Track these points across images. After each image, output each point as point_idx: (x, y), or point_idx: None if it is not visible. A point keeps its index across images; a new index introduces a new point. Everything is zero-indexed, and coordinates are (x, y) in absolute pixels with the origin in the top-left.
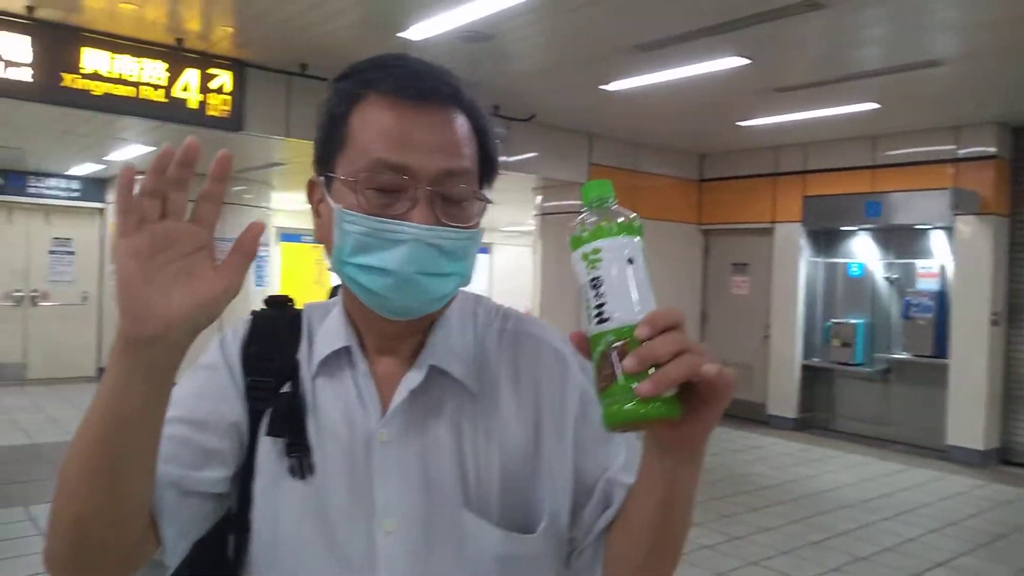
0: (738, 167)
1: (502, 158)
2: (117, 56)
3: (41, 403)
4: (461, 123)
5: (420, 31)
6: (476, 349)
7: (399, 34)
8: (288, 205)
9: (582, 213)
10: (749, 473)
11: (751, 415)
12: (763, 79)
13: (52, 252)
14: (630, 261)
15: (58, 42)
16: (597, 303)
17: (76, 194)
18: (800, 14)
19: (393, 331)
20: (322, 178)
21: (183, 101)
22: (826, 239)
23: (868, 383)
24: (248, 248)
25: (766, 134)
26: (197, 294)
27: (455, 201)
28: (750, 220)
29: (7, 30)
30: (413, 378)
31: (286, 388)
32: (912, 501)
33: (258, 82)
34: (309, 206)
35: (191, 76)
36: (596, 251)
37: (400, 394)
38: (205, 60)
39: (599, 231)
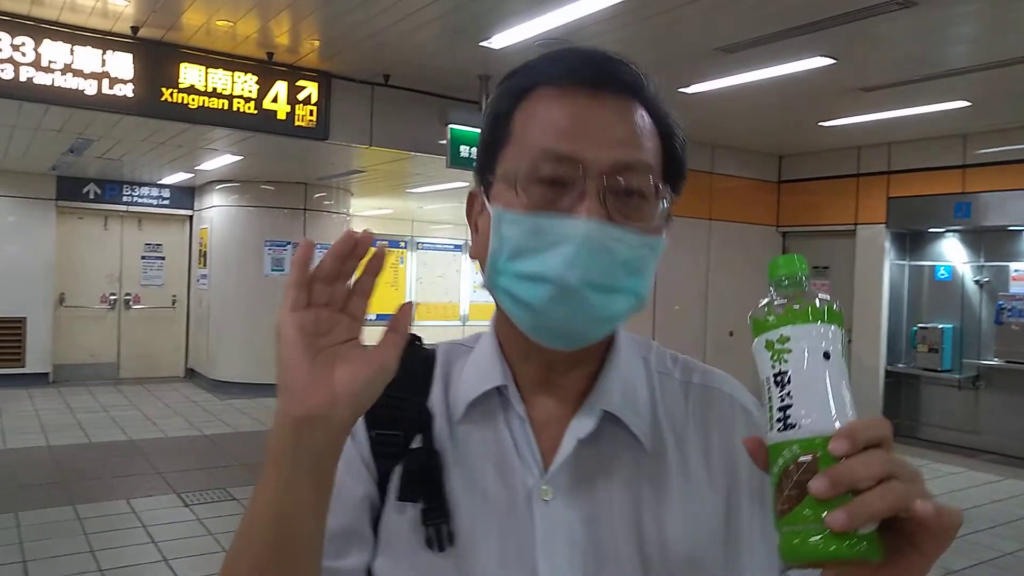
0: (819, 168)
1: None
2: (212, 71)
3: (135, 401)
4: (641, 115)
5: (502, 40)
6: (651, 399)
7: (481, 43)
8: (366, 211)
9: (770, 294)
10: None
11: None
12: (848, 78)
13: (144, 257)
14: (827, 356)
15: (158, 59)
16: (781, 404)
17: (167, 202)
18: (889, 12)
19: (556, 359)
20: (482, 187)
21: (272, 112)
22: (912, 241)
23: (956, 390)
24: (402, 327)
25: (849, 134)
26: (358, 372)
27: (633, 199)
28: (831, 222)
29: (112, 49)
30: (583, 425)
31: (416, 443)
32: (1008, 513)
33: (343, 93)
34: (388, 211)
35: (280, 88)
36: (784, 339)
37: (568, 443)
38: (293, 72)
39: (789, 315)
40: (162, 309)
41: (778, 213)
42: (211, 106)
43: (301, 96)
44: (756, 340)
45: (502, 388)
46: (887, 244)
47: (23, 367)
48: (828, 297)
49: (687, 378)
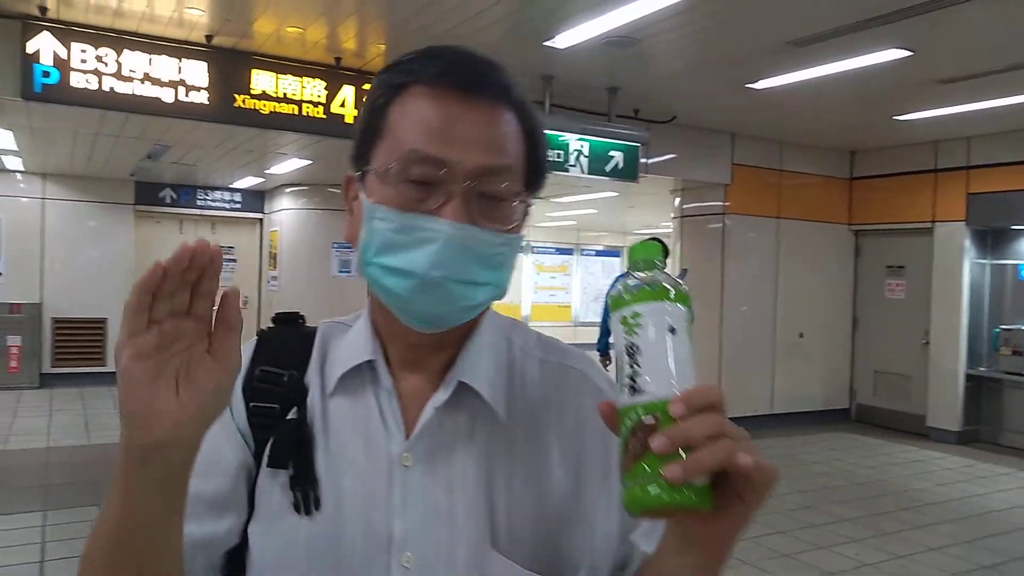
0: (893, 163)
1: (642, 160)
2: (282, 77)
3: None
4: (509, 120)
5: (567, 39)
6: (509, 375)
7: (545, 43)
8: None
9: (627, 276)
10: (910, 488)
11: (909, 427)
12: (925, 71)
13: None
14: (672, 330)
15: (231, 66)
16: (630, 372)
17: (238, 206)
18: (967, 1)
19: (421, 341)
20: (357, 174)
21: (340, 116)
22: (994, 239)
23: None
24: (232, 322)
25: (925, 128)
26: (202, 385)
27: (495, 201)
28: (907, 220)
29: (188, 58)
30: (440, 395)
31: (292, 414)
32: None
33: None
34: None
35: (347, 92)
36: (635, 316)
37: (427, 413)
38: (360, 77)
39: (641, 294)
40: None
41: (850, 211)
42: (281, 111)
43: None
44: (613, 316)
45: (372, 362)
46: (967, 242)
47: (105, 366)
48: (677, 280)
49: (546, 356)
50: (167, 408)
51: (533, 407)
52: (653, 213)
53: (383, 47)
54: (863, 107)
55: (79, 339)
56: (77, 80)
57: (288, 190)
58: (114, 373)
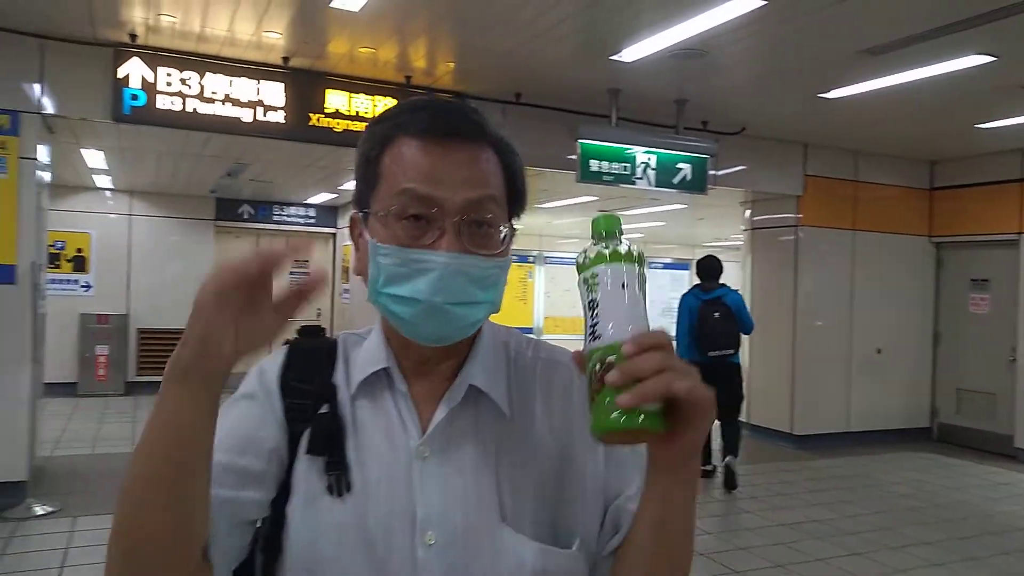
0: (976, 173)
1: (710, 172)
2: (354, 95)
3: None
4: (488, 157)
5: (633, 53)
6: (508, 374)
7: (612, 57)
8: None
9: (590, 244)
10: (995, 512)
11: (996, 448)
12: (1009, 76)
13: (292, 273)
14: (623, 286)
15: (306, 86)
16: (592, 323)
17: (312, 220)
18: None
19: (429, 355)
20: (360, 215)
21: None
22: None
23: None
24: (306, 294)
25: (1011, 136)
26: (255, 337)
27: (482, 229)
28: (992, 231)
29: (266, 79)
30: (453, 397)
31: (324, 409)
32: None
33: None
34: (517, 226)
35: None
36: (594, 276)
37: (440, 412)
38: (430, 94)
39: (599, 258)
40: (307, 322)
41: (931, 222)
42: (354, 129)
43: None
44: (578, 277)
45: (387, 370)
46: None
47: None
48: (630, 246)
49: (536, 355)
50: (225, 350)
51: (529, 399)
52: (723, 225)
53: (452, 65)
54: (943, 115)
55: (162, 349)
56: (163, 102)
57: None
58: None
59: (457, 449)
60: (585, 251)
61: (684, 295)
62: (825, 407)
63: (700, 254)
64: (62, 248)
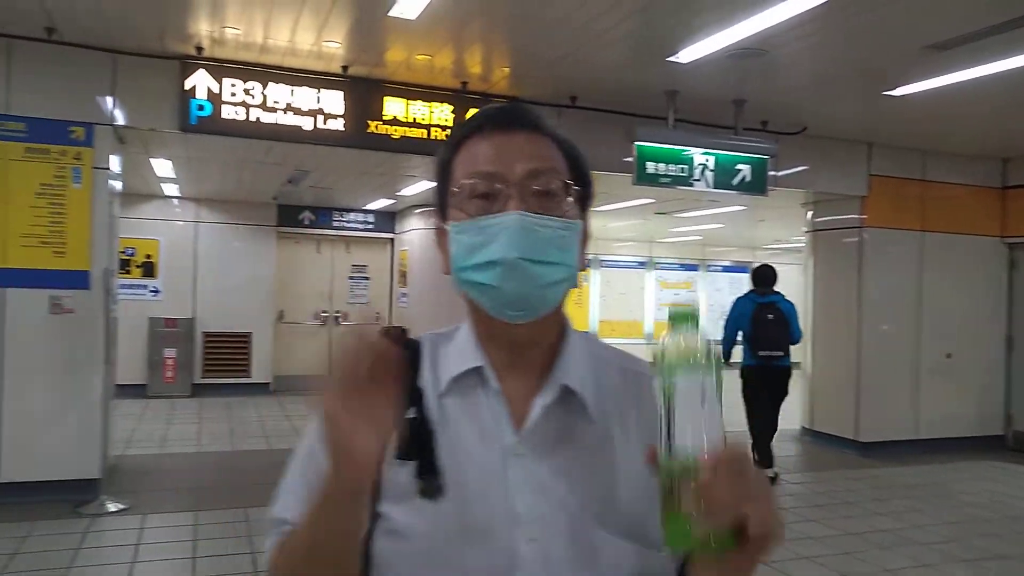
0: None
1: (771, 173)
2: (412, 102)
3: None
4: (547, 143)
5: (690, 54)
6: (595, 379)
7: (669, 58)
8: None
9: (665, 340)
10: None
11: None
12: None
13: (351, 278)
14: (702, 399)
15: (365, 94)
16: (667, 432)
17: (371, 226)
18: None
19: (517, 336)
20: (440, 218)
21: None
22: None
23: None
24: (395, 375)
25: None
26: (382, 430)
27: (547, 196)
28: None
29: (326, 88)
30: (547, 396)
31: (411, 414)
32: None
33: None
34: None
35: None
36: (671, 386)
37: (536, 410)
38: (484, 100)
39: (677, 365)
40: (366, 326)
41: (1004, 222)
42: (411, 135)
43: None
44: (655, 380)
45: (479, 368)
46: None
47: (249, 377)
48: (709, 348)
49: (624, 365)
50: (371, 451)
51: (618, 406)
52: (784, 227)
53: (507, 70)
54: (1016, 111)
55: (226, 352)
56: (227, 112)
57: (417, 211)
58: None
59: (551, 448)
60: (663, 348)
61: (739, 298)
62: (892, 413)
63: (760, 256)
64: (132, 254)
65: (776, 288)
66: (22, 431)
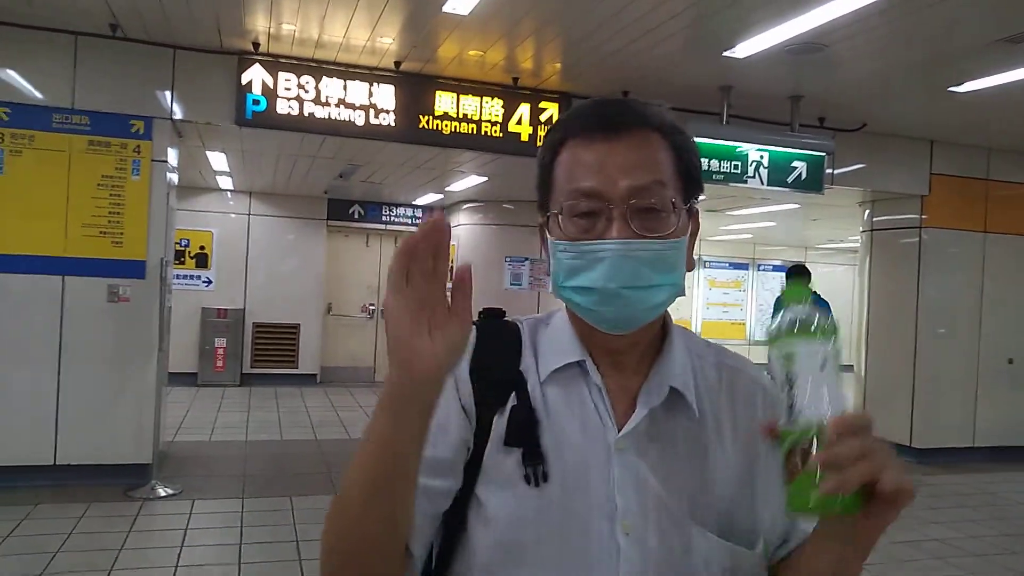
0: None
1: (827, 171)
2: (463, 97)
3: None
4: (653, 141)
5: (746, 49)
6: (694, 376)
7: (725, 53)
8: None
9: (782, 314)
10: None
11: None
12: None
13: None
14: (823, 365)
15: (416, 89)
16: (788, 402)
17: (420, 220)
18: None
19: (618, 345)
20: (544, 221)
21: (517, 135)
22: None
23: None
24: (466, 288)
25: None
26: (448, 335)
27: (652, 213)
28: None
29: (378, 83)
30: (653, 396)
31: (512, 399)
32: None
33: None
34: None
35: (524, 111)
36: (792, 354)
37: (641, 410)
38: (536, 95)
39: (798, 334)
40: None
41: None
42: (462, 131)
43: (543, 117)
44: (771, 349)
45: (581, 362)
46: None
47: (296, 368)
48: (825, 318)
49: (720, 360)
50: (426, 352)
51: (716, 403)
52: (838, 227)
53: (558, 66)
54: None
55: (275, 343)
56: (282, 107)
57: (465, 206)
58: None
59: (653, 446)
60: (779, 322)
61: (779, 296)
62: (948, 420)
63: (812, 256)
64: (186, 245)
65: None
66: (78, 416)
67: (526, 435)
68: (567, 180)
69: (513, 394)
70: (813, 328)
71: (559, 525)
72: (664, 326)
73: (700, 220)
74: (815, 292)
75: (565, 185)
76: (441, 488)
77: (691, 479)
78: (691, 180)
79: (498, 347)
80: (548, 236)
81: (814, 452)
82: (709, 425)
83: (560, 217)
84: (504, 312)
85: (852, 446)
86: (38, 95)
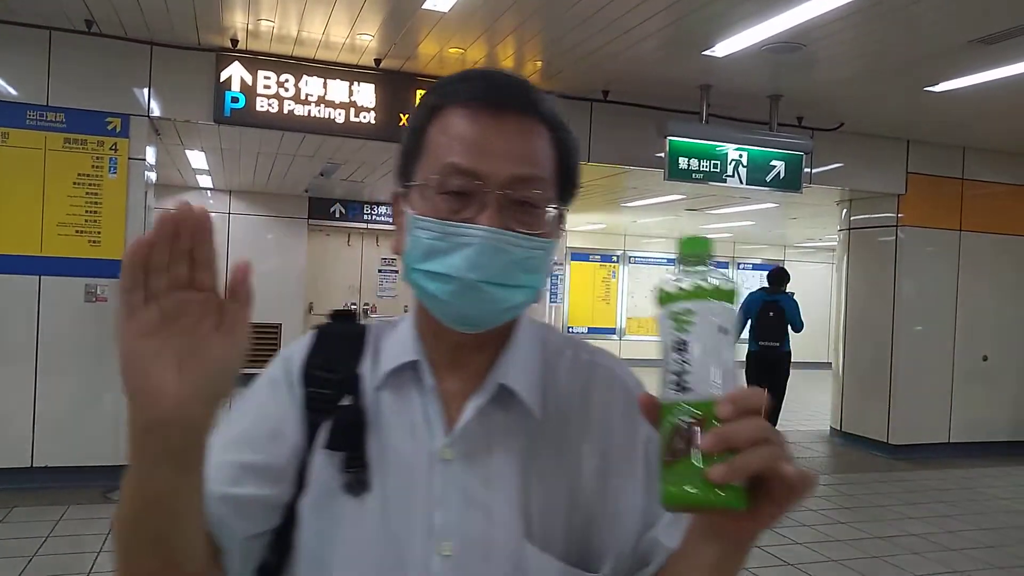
0: None
1: (806, 170)
2: None
3: None
4: (540, 133)
5: (726, 48)
6: (543, 375)
7: (704, 52)
8: (579, 226)
9: (677, 270)
10: None
11: None
12: None
13: (380, 271)
14: (721, 330)
15: (397, 88)
16: (678, 369)
17: None
18: None
19: (464, 341)
20: (402, 191)
21: None
22: None
23: None
24: (241, 295)
25: None
26: (207, 363)
27: (527, 207)
28: None
29: (359, 81)
30: (481, 396)
31: (346, 401)
32: None
33: (562, 110)
34: (601, 226)
35: None
36: (688, 312)
37: (468, 412)
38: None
39: (696, 292)
40: (395, 318)
41: None
42: None
43: None
44: (662, 310)
45: (416, 363)
46: None
47: None
48: (728, 278)
49: (577, 355)
50: (168, 386)
51: (565, 405)
52: (816, 226)
53: (539, 63)
54: None
55: (257, 342)
56: (261, 104)
57: None
58: None
59: (484, 454)
60: (676, 278)
61: (752, 293)
62: (924, 416)
63: (791, 255)
64: None
65: (787, 288)
66: (56, 417)
67: (350, 439)
68: (442, 152)
69: (348, 397)
70: (710, 288)
71: (372, 544)
72: (513, 325)
73: (565, 227)
74: (785, 292)
75: (439, 157)
76: (267, 498)
77: (531, 493)
78: (569, 182)
79: (337, 349)
80: (406, 208)
81: (699, 434)
82: (556, 429)
83: (427, 191)
84: (355, 314)
85: (750, 426)
86: (11, 92)
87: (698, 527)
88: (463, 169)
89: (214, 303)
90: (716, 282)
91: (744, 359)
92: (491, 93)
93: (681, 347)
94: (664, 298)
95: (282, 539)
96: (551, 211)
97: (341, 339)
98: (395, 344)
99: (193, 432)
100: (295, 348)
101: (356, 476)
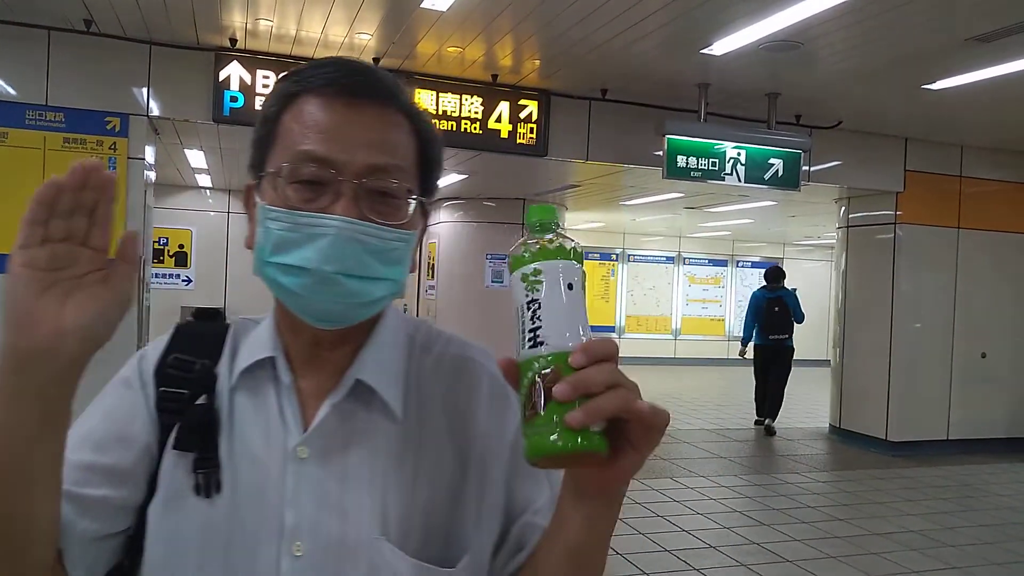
0: None
1: (804, 168)
2: (442, 95)
3: None
4: (398, 123)
5: (724, 46)
6: (407, 372)
7: (702, 51)
8: (578, 224)
9: (525, 236)
10: None
11: None
12: None
13: None
14: (570, 287)
15: None
16: (532, 327)
17: None
18: None
19: (323, 336)
20: (255, 182)
21: (496, 132)
22: None
23: None
24: (129, 256)
25: None
26: (88, 305)
27: (385, 198)
28: None
29: None
30: (338, 392)
31: (201, 401)
32: None
33: (561, 109)
34: (600, 224)
35: (503, 108)
36: (537, 272)
37: (324, 409)
38: (515, 92)
39: (542, 253)
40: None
41: None
42: (441, 128)
43: (523, 115)
44: (514, 274)
45: (273, 359)
46: None
47: None
48: (572, 239)
49: (444, 350)
50: (49, 317)
51: (428, 401)
52: (815, 223)
53: (538, 62)
54: None
55: None
56: (260, 103)
57: (445, 203)
58: None
59: (341, 452)
60: (524, 244)
61: (755, 292)
62: (923, 413)
63: (790, 253)
64: (165, 244)
65: (785, 284)
66: None
67: (201, 438)
68: (294, 139)
69: (203, 396)
70: (560, 249)
71: (224, 546)
72: (377, 317)
73: (429, 221)
74: (784, 288)
75: (291, 145)
76: (115, 500)
77: (388, 491)
78: (430, 173)
79: (194, 348)
80: (258, 199)
81: (558, 383)
82: (417, 426)
83: (278, 180)
84: (219, 313)
85: (603, 372)
86: (11, 91)
87: (567, 490)
88: (317, 157)
89: (102, 261)
90: (561, 243)
91: (755, 353)
92: (347, 80)
93: (533, 306)
94: (515, 262)
95: (136, 542)
96: (412, 202)
97: (200, 337)
98: (253, 341)
99: (67, 369)
100: (151, 347)
101: (206, 476)
